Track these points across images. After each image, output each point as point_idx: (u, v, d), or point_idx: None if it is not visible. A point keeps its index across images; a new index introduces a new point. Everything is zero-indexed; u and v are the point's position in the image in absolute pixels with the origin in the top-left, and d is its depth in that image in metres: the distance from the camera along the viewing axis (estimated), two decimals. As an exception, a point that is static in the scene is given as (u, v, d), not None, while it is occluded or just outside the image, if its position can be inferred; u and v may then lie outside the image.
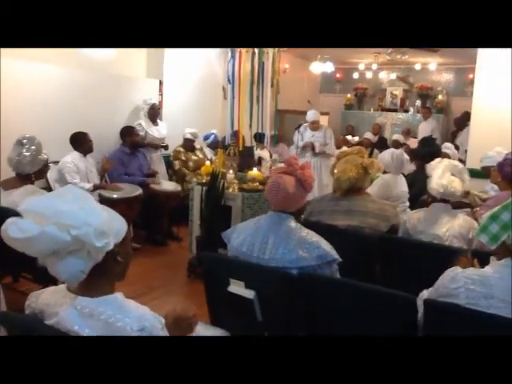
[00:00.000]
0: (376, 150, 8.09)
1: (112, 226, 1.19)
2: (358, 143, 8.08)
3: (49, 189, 4.29)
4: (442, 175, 2.65)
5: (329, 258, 1.93)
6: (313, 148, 5.87)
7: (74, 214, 1.11)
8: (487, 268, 1.54)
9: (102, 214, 1.18)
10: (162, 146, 5.64)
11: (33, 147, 3.14)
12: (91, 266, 1.15)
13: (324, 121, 9.35)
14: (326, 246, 1.95)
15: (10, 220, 1.09)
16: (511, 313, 1.42)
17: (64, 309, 1.17)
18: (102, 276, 1.20)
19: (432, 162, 2.80)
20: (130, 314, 1.15)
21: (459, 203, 3.46)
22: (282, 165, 2.07)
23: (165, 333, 1.22)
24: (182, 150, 5.65)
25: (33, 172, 3.16)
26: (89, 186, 4.38)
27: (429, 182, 2.70)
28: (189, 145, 5.69)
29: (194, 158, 5.66)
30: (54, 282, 1.30)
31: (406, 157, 4.10)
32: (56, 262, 1.12)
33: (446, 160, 2.78)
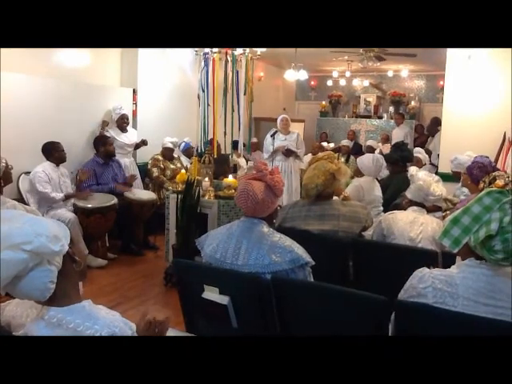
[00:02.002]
0: (352, 157, 8.21)
1: (59, 229, 1.17)
2: (336, 150, 8.16)
3: (21, 200, 4.22)
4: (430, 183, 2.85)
5: (301, 261, 1.93)
6: (287, 152, 5.79)
7: (20, 230, 1.07)
8: (453, 268, 1.58)
9: (44, 221, 1.16)
10: (141, 143, 5.65)
11: None
12: (56, 273, 1.14)
13: (300, 128, 9.45)
14: (298, 249, 1.96)
15: None
16: (476, 311, 1.46)
17: (31, 320, 1.15)
18: (66, 280, 1.18)
19: (412, 171, 2.95)
20: (99, 321, 1.15)
21: (431, 207, 3.54)
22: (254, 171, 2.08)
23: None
24: (160, 158, 5.65)
25: None
26: (61, 195, 4.33)
27: (418, 187, 2.87)
28: (168, 154, 5.70)
29: (171, 166, 5.67)
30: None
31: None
32: (21, 284, 1.10)
33: (422, 171, 3.04)
